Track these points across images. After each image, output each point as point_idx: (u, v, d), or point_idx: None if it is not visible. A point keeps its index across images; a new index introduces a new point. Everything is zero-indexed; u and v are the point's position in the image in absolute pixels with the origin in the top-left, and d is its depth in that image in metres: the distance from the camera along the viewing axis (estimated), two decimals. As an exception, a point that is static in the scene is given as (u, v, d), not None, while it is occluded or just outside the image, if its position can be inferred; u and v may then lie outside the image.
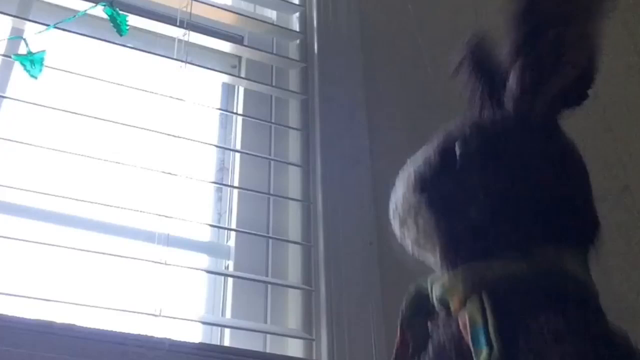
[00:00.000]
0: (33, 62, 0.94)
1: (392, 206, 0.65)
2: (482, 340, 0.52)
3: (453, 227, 0.59)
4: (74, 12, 1.01)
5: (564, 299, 0.53)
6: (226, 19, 1.23)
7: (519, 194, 0.58)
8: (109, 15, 0.99)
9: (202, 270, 1.03)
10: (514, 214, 0.58)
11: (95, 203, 0.94)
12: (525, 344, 0.51)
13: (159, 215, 0.95)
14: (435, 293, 0.58)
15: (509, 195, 0.58)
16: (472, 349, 0.52)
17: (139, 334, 0.84)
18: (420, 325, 0.59)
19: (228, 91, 1.23)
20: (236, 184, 1.10)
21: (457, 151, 0.61)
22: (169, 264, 0.92)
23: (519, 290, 0.54)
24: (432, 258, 0.61)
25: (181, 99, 1.05)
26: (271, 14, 1.32)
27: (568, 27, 0.58)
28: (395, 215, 0.64)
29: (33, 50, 0.95)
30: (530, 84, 0.60)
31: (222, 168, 1.15)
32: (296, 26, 1.27)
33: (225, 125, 1.19)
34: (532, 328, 0.51)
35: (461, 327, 0.54)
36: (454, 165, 0.61)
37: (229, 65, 1.25)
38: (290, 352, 0.96)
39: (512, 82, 0.60)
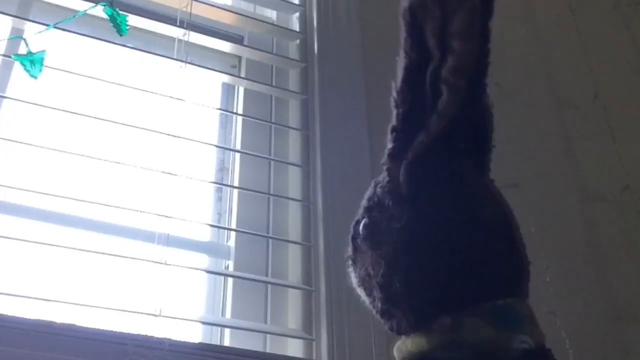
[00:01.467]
0: (33, 62, 0.94)
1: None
2: None
3: (374, 310, 0.61)
4: (74, 12, 1.01)
5: None
6: (226, 19, 1.23)
7: (401, 275, 0.58)
8: (109, 15, 0.99)
9: (202, 270, 1.03)
10: (405, 294, 0.58)
11: (95, 203, 0.94)
12: None
13: (159, 215, 0.95)
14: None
15: (393, 278, 0.58)
16: None
17: (139, 334, 0.84)
18: None
19: (228, 91, 1.23)
20: (236, 184, 1.10)
21: (357, 237, 0.63)
22: (169, 264, 0.92)
23: None
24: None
25: (181, 99, 1.05)
26: (271, 14, 1.32)
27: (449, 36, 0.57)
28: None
29: (33, 50, 0.94)
30: (392, 151, 0.61)
31: (222, 168, 1.15)
32: (296, 26, 1.27)
33: (225, 125, 1.19)
34: None
35: None
36: (359, 249, 0.63)
37: (229, 65, 1.25)
38: (290, 352, 0.96)
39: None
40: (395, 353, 0.59)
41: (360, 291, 0.63)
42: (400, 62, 0.59)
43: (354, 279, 0.64)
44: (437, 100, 0.56)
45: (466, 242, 0.57)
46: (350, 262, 0.64)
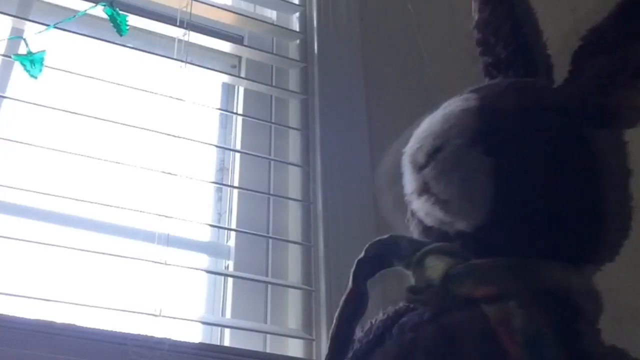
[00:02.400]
0: (33, 62, 0.94)
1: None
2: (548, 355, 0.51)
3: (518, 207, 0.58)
4: (74, 12, 1.01)
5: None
6: (226, 19, 1.23)
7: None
8: (109, 15, 0.99)
9: (202, 270, 1.03)
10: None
11: (95, 203, 0.94)
12: None
13: (159, 215, 0.95)
14: (438, 269, 0.57)
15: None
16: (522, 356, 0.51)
17: (139, 334, 0.83)
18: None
19: (228, 91, 1.23)
20: (236, 184, 1.10)
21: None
22: (169, 264, 0.92)
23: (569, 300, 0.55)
24: (459, 225, 0.59)
25: (181, 99, 1.05)
26: (271, 14, 1.32)
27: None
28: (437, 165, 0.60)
29: (33, 50, 0.94)
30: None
31: (222, 168, 1.15)
32: (296, 26, 1.27)
33: (225, 125, 1.19)
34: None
35: (497, 324, 0.53)
36: None
37: (229, 65, 1.25)
38: (290, 352, 0.96)
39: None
40: (487, 269, 0.56)
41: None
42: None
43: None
44: None
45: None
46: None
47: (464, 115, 0.61)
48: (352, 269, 0.62)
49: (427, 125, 0.63)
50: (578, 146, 0.60)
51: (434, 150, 0.60)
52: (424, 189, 0.61)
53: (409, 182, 0.63)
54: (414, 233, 0.66)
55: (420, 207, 0.62)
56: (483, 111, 0.61)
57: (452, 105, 0.64)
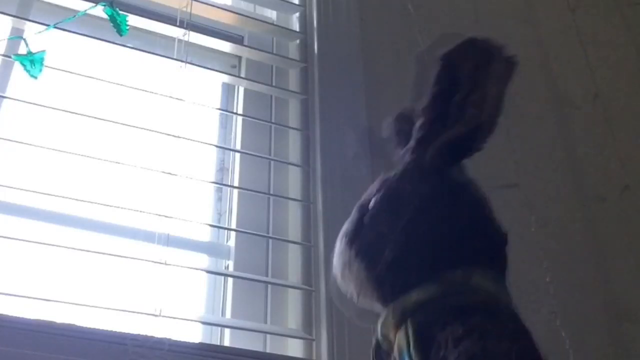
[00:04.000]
0: (33, 62, 0.94)
1: (334, 268, 0.73)
2: None
3: (377, 271, 0.67)
4: (74, 12, 1.01)
5: (469, 311, 0.60)
6: (226, 19, 1.23)
7: (421, 231, 0.66)
8: (109, 15, 0.99)
9: (202, 270, 1.03)
10: (420, 248, 0.66)
11: (95, 203, 0.94)
12: (435, 354, 0.59)
13: (159, 215, 0.95)
14: (379, 330, 0.66)
15: (413, 233, 0.67)
16: None
17: (139, 334, 0.83)
18: None
19: (228, 91, 1.23)
20: (236, 184, 1.10)
21: (369, 205, 0.71)
22: (169, 264, 0.92)
23: (434, 311, 0.62)
24: (374, 303, 0.69)
25: (181, 99, 1.05)
26: (271, 14, 1.32)
27: (475, 89, 0.68)
28: (337, 273, 0.73)
29: (33, 50, 0.94)
30: (422, 138, 0.70)
31: (222, 168, 1.15)
32: (296, 26, 1.27)
33: (225, 125, 1.19)
34: (440, 340, 0.59)
35: (396, 356, 0.62)
36: (370, 218, 0.70)
37: (229, 65, 1.25)
38: (290, 352, 0.96)
39: (413, 137, 0.71)
40: (387, 318, 0.64)
41: (358, 260, 0.69)
42: (431, 88, 0.71)
43: (350, 252, 0.70)
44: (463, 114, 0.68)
45: (472, 215, 0.69)
46: (346, 238, 0.71)
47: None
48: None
49: None
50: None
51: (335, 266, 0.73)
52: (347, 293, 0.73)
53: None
54: None
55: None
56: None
57: None
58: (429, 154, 0.69)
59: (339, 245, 0.73)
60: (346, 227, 0.73)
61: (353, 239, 0.71)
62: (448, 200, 0.69)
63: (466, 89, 0.68)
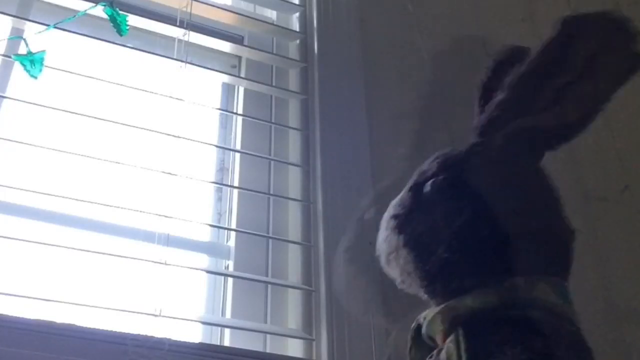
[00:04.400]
0: (33, 62, 0.94)
1: (378, 248, 0.67)
2: None
3: (428, 266, 0.61)
4: (74, 12, 1.01)
5: (530, 330, 0.54)
6: (226, 19, 1.23)
7: (482, 229, 0.59)
8: (109, 15, 0.99)
9: (202, 270, 1.03)
10: (481, 249, 0.59)
11: (95, 203, 0.94)
12: None
13: (159, 215, 0.95)
14: (424, 329, 0.60)
15: (473, 231, 0.59)
16: None
17: (139, 334, 0.83)
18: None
19: (228, 91, 1.23)
20: (236, 184, 1.10)
21: (426, 189, 0.63)
22: (169, 264, 0.92)
23: (490, 322, 0.55)
24: (419, 293, 0.63)
25: (181, 99, 1.05)
26: (271, 14, 1.32)
27: (585, 77, 0.59)
28: (382, 257, 0.67)
29: (33, 50, 0.94)
30: (496, 118, 0.62)
31: (222, 168, 1.15)
32: (296, 26, 1.27)
33: (225, 125, 1.19)
34: None
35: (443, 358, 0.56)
36: (424, 203, 0.63)
37: (229, 65, 1.25)
38: (290, 352, 0.96)
39: (487, 110, 0.63)
40: (435, 320, 0.58)
41: (407, 250, 0.62)
42: (532, 56, 0.64)
43: (398, 239, 0.63)
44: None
45: (542, 216, 0.62)
46: (395, 222, 0.64)
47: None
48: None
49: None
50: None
51: (379, 250, 0.68)
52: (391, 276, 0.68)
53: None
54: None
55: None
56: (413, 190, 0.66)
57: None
58: (500, 138, 0.61)
59: (385, 227, 0.65)
60: (395, 207, 0.65)
61: (403, 224, 0.63)
62: (515, 195, 0.61)
63: (575, 73, 0.59)
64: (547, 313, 0.56)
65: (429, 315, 0.60)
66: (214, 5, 1.21)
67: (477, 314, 0.56)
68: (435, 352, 0.59)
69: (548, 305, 0.57)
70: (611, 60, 0.58)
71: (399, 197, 0.66)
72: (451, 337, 0.56)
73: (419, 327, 0.62)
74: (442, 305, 0.59)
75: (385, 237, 0.66)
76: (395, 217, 0.65)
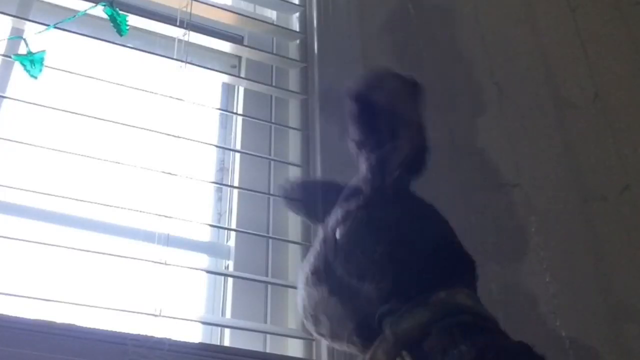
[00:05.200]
0: (33, 62, 0.94)
1: (301, 309, 0.71)
2: None
3: (357, 304, 0.65)
4: (74, 12, 1.01)
5: (469, 331, 0.60)
6: (226, 19, 1.23)
7: (401, 254, 0.66)
8: (109, 15, 0.99)
9: (202, 270, 1.03)
10: (403, 272, 0.65)
11: (95, 203, 0.94)
12: None
13: (159, 215, 0.95)
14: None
15: (392, 258, 0.65)
16: None
17: (139, 334, 0.83)
18: None
19: (228, 91, 1.23)
20: (236, 184, 1.10)
21: (338, 236, 0.69)
22: (169, 264, 0.92)
23: (429, 335, 0.60)
24: (346, 344, 0.67)
25: (181, 99, 1.05)
26: (271, 14, 1.32)
27: (398, 117, 0.69)
28: (307, 316, 0.70)
29: (33, 50, 0.94)
30: (376, 166, 0.70)
31: (222, 168, 1.15)
32: (296, 26, 1.27)
33: (225, 125, 1.19)
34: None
35: None
36: (340, 248, 0.68)
37: (229, 65, 1.25)
38: (290, 352, 0.96)
39: (362, 169, 0.72)
40: (375, 354, 0.63)
41: (334, 298, 0.67)
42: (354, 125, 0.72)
43: (322, 290, 0.68)
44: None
45: (442, 235, 0.70)
46: (314, 277, 0.69)
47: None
48: None
49: None
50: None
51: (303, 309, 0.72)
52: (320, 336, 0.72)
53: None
54: None
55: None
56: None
57: None
58: (387, 178, 0.69)
59: (304, 287, 0.70)
60: (310, 264, 0.70)
61: (323, 275, 0.69)
62: (421, 221, 0.69)
63: (387, 116, 0.69)
64: (474, 315, 0.62)
65: (367, 355, 0.64)
66: (214, 5, 1.21)
67: (415, 332, 0.61)
68: None
69: (473, 310, 0.63)
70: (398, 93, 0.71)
71: (309, 256, 0.72)
72: None
73: None
74: (380, 337, 0.63)
75: (306, 295, 0.70)
76: (313, 272, 0.69)
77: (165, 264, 0.92)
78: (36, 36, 0.98)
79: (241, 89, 1.20)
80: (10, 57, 0.97)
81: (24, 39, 0.96)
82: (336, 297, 0.67)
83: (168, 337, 0.84)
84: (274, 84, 1.21)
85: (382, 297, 0.64)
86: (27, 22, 1.03)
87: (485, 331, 0.61)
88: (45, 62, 0.94)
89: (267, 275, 1.03)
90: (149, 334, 0.84)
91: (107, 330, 0.82)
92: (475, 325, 0.61)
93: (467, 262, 0.69)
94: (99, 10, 1.00)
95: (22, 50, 0.97)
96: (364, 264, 0.66)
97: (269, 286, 1.02)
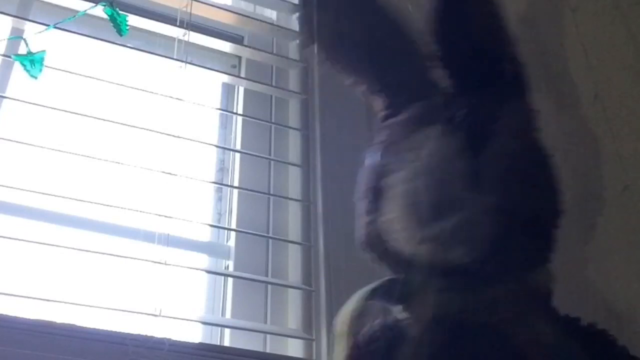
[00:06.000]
0: (33, 62, 0.94)
1: None
2: None
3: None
4: (74, 12, 1.01)
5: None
6: (226, 19, 1.23)
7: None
8: (109, 15, 0.99)
9: (202, 270, 1.03)
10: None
11: (95, 203, 0.94)
12: None
13: (159, 215, 0.95)
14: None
15: None
16: None
17: (139, 334, 0.83)
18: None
19: (228, 91, 1.23)
20: (236, 184, 1.10)
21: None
22: (169, 264, 0.92)
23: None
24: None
25: (181, 99, 1.05)
26: (271, 14, 1.32)
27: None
28: None
29: (33, 50, 0.94)
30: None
31: (222, 168, 1.15)
32: (296, 26, 1.27)
33: (225, 125, 1.19)
34: None
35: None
36: None
37: (229, 65, 1.25)
38: (290, 352, 0.96)
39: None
40: None
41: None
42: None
43: None
44: None
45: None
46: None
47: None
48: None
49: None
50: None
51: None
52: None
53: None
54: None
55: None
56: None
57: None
58: None
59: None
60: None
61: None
62: None
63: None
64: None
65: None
66: (214, 5, 1.21)
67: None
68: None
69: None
70: None
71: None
72: None
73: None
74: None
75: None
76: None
77: (165, 264, 0.92)
78: (36, 36, 0.98)
79: (241, 89, 1.20)
80: (10, 57, 0.97)
81: (24, 39, 0.96)
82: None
83: (168, 337, 0.84)
84: (274, 84, 1.21)
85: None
86: (27, 22, 1.03)
87: None
88: (45, 62, 0.94)
89: (267, 275, 1.03)
90: (149, 334, 0.84)
91: (107, 330, 0.82)
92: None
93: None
94: (99, 10, 1.00)
95: (22, 50, 0.97)
96: None
97: (269, 286, 1.02)
